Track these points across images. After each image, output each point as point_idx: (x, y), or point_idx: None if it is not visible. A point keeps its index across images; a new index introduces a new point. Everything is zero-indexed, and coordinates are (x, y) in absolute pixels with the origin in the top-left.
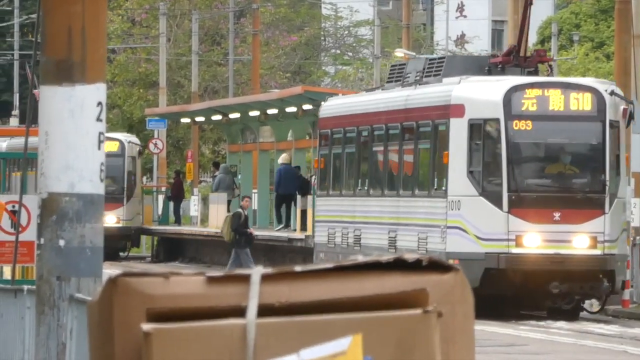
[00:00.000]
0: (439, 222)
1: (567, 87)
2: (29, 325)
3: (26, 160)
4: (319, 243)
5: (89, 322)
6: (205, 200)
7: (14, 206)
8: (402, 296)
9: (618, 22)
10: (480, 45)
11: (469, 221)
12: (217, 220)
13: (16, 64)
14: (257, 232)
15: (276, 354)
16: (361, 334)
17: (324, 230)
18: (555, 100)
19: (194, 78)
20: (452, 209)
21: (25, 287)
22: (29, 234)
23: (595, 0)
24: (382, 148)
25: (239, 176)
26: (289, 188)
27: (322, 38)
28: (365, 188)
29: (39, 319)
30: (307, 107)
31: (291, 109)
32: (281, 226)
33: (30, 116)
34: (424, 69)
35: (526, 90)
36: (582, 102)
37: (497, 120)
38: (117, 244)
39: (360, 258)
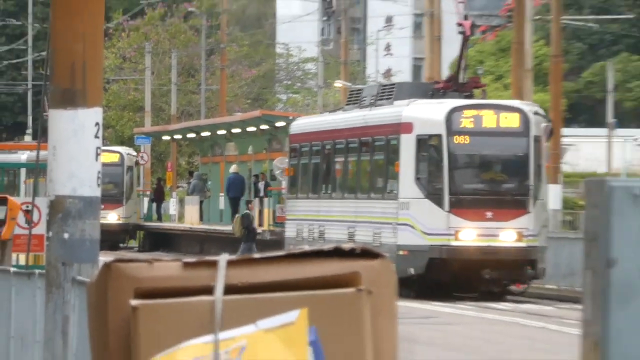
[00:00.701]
0: (391, 219)
1: (498, 108)
2: (40, 302)
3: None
4: (289, 237)
5: (88, 299)
6: (182, 202)
7: (27, 206)
8: (340, 278)
9: (514, 59)
10: (403, 77)
11: (416, 219)
12: (192, 217)
13: (29, 92)
14: (224, 227)
15: (238, 324)
16: (307, 308)
17: (293, 226)
18: (488, 119)
19: (173, 104)
20: (402, 209)
21: (37, 271)
22: (40, 229)
23: (496, 41)
24: (343, 159)
25: (209, 182)
26: (237, 192)
27: (276, 72)
28: (329, 192)
29: (48, 297)
30: (264, 127)
31: (251, 129)
32: None
33: (40, 134)
34: (377, 93)
35: (464, 111)
36: (511, 121)
37: (439, 136)
38: (117, 237)
39: (307, 247)
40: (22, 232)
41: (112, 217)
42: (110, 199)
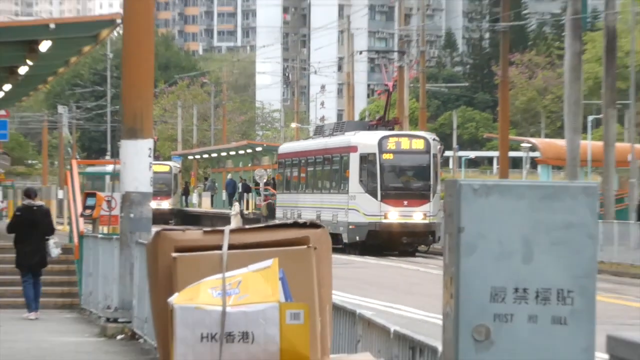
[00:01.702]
0: (344, 207)
1: (411, 136)
2: (116, 255)
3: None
4: (279, 217)
5: (146, 253)
6: (200, 196)
7: (108, 198)
8: (297, 240)
9: (398, 110)
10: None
11: (359, 206)
12: (206, 205)
13: (108, 129)
14: (225, 210)
15: (236, 267)
16: (277, 258)
17: (281, 211)
18: (405, 143)
19: (194, 137)
20: (351, 200)
21: (114, 236)
22: (116, 211)
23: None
24: (312, 168)
25: (216, 184)
26: (231, 190)
27: (256, 118)
28: (303, 189)
29: (121, 252)
30: (249, 151)
31: (241, 152)
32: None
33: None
34: (334, 127)
35: (389, 138)
36: (418, 144)
37: (374, 154)
38: (168, 218)
39: (277, 222)
40: (105, 214)
41: (165, 204)
42: (164, 194)
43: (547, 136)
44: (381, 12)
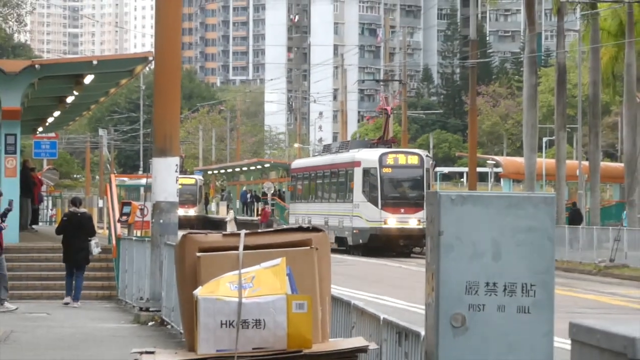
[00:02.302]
0: (348, 214)
1: (407, 153)
2: (148, 254)
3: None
4: (291, 224)
5: (175, 253)
6: (218, 204)
7: (141, 206)
8: (301, 241)
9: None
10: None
11: (363, 213)
12: (223, 212)
13: (141, 149)
14: (240, 217)
15: (251, 265)
16: (285, 257)
17: (293, 218)
18: (402, 159)
19: (213, 154)
20: (355, 208)
21: (146, 239)
22: (148, 217)
23: (374, 125)
24: (321, 181)
25: (231, 194)
26: (244, 199)
27: (265, 139)
28: (313, 199)
29: (152, 251)
30: (259, 167)
31: (252, 168)
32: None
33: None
34: (340, 146)
35: (388, 154)
36: (413, 160)
37: (375, 168)
38: (194, 223)
39: (284, 226)
40: (138, 220)
41: (191, 212)
42: (190, 202)
43: (508, 155)
44: (369, 51)
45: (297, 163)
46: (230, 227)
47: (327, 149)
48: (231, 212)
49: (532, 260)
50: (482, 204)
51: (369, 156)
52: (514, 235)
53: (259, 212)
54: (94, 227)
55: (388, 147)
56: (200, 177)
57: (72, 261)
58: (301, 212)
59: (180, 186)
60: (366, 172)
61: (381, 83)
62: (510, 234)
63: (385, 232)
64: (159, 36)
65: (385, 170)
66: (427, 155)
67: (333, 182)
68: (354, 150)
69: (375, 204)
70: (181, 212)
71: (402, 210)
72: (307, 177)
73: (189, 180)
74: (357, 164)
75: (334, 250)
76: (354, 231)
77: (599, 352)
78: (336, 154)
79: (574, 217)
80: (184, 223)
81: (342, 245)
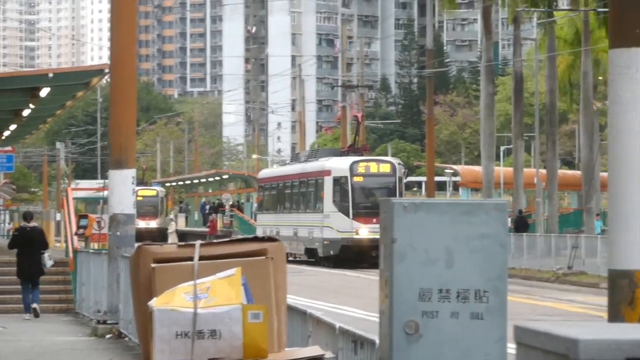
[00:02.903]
0: (319, 224)
1: (378, 161)
2: (104, 267)
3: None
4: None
5: (130, 264)
6: (176, 216)
7: (98, 219)
8: (257, 251)
9: (342, 143)
10: (286, 154)
11: (333, 223)
12: (182, 224)
13: (99, 162)
14: (198, 229)
15: (205, 275)
16: (240, 267)
17: (260, 229)
18: (373, 167)
19: (171, 167)
20: (325, 218)
21: (103, 251)
22: (105, 230)
23: (332, 135)
24: (290, 191)
25: (190, 206)
26: (203, 211)
27: (223, 150)
28: (282, 209)
29: (109, 264)
30: (217, 178)
31: (210, 179)
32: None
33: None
34: (309, 154)
35: (359, 163)
36: (385, 168)
37: (346, 177)
38: (155, 235)
39: (240, 236)
40: (95, 232)
41: (153, 224)
42: (151, 214)
43: (466, 163)
44: (327, 61)
45: (265, 173)
46: (172, 239)
47: (295, 158)
48: (172, 223)
49: (484, 266)
50: (435, 212)
51: (339, 165)
52: (466, 242)
53: (221, 224)
54: (46, 241)
55: (359, 155)
56: (162, 189)
57: (26, 275)
58: (269, 223)
59: (140, 198)
60: (337, 181)
61: (351, 90)
62: (463, 241)
63: (357, 242)
64: (114, 48)
65: (356, 179)
66: (399, 163)
67: (302, 192)
68: (324, 158)
69: (347, 214)
70: (142, 224)
71: (374, 220)
72: (275, 187)
73: (150, 192)
74: (327, 172)
75: (303, 262)
76: (325, 242)
77: (543, 354)
78: (305, 163)
79: (519, 225)
80: (145, 235)
81: (313, 257)
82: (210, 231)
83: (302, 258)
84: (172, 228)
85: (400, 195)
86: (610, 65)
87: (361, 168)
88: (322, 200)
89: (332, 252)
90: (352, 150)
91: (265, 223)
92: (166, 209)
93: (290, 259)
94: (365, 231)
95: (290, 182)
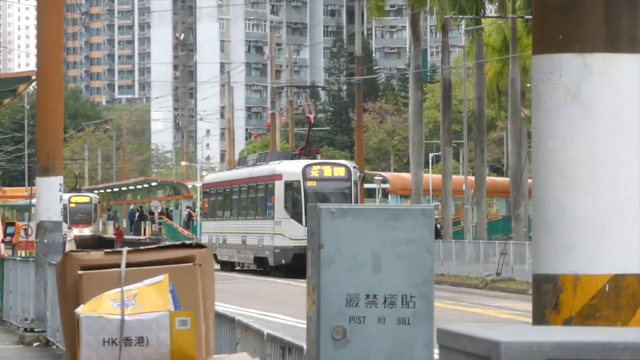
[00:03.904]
0: (269, 232)
1: (332, 164)
2: (32, 274)
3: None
4: (204, 242)
5: (56, 271)
6: (104, 224)
7: (26, 226)
8: (185, 258)
9: (271, 150)
10: (215, 161)
11: (285, 230)
12: (109, 231)
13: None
14: (128, 237)
15: (133, 282)
16: (168, 274)
17: (206, 237)
18: (327, 171)
19: (99, 174)
20: (277, 225)
21: (30, 259)
22: (32, 237)
23: (262, 142)
24: (237, 196)
25: (118, 213)
26: (132, 218)
27: (152, 157)
28: (229, 216)
29: (36, 271)
30: (145, 185)
31: (139, 186)
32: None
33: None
34: (257, 158)
35: (312, 166)
36: (340, 172)
37: (299, 181)
38: (89, 243)
39: (168, 242)
40: (22, 240)
41: (86, 231)
42: (85, 221)
43: (395, 170)
44: (256, 68)
45: (210, 178)
46: (70, 246)
47: (243, 162)
48: (70, 232)
49: (411, 272)
50: (362, 217)
51: (291, 168)
52: (393, 247)
53: (150, 231)
54: None
55: (311, 159)
56: (96, 196)
57: None
58: (215, 231)
59: (73, 205)
60: (288, 186)
61: (301, 91)
62: (390, 246)
63: (304, 250)
64: (40, 55)
65: (309, 183)
66: (354, 167)
67: (251, 198)
68: (274, 162)
69: (299, 221)
70: (75, 231)
71: None
72: (221, 193)
73: (83, 198)
74: (278, 177)
75: (252, 272)
76: (276, 250)
77: (465, 357)
78: (254, 167)
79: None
80: (79, 243)
81: (262, 266)
82: (117, 238)
83: (251, 267)
84: (70, 236)
85: (356, 200)
86: (534, 71)
87: (314, 172)
88: (273, 206)
89: (283, 261)
90: (303, 153)
91: (211, 230)
92: (99, 216)
93: (237, 268)
94: None
95: (237, 187)
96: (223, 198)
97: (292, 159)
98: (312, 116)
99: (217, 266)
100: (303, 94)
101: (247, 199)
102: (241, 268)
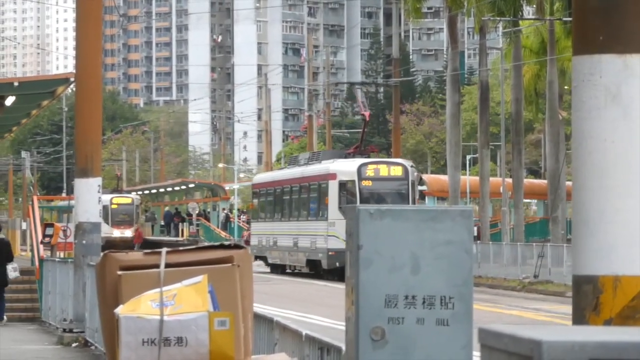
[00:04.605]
0: (323, 233)
1: (389, 163)
2: (71, 275)
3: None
4: (253, 245)
5: (96, 272)
6: (142, 225)
7: (64, 227)
8: (224, 258)
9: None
10: (253, 163)
11: (339, 232)
12: (147, 233)
13: (64, 171)
14: (164, 238)
15: (172, 282)
16: (207, 274)
17: (255, 238)
18: (383, 170)
19: (137, 175)
20: (330, 227)
21: (69, 260)
22: (71, 239)
23: (299, 144)
24: (288, 197)
25: (156, 215)
26: (167, 220)
27: (189, 159)
28: (279, 217)
29: (75, 272)
30: (183, 187)
31: (177, 188)
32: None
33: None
34: (309, 157)
35: (368, 165)
36: (397, 171)
37: (353, 181)
38: (130, 244)
39: (206, 243)
40: (61, 241)
41: (128, 233)
42: (126, 223)
43: (432, 173)
44: (293, 70)
45: (260, 177)
46: None
47: (294, 161)
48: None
49: (450, 273)
50: (401, 218)
51: (345, 167)
52: (432, 248)
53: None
54: (12, 253)
55: (366, 157)
56: (137, 197)
57: None
58: (265, 233)
59: (115, 206)
60: (343, 186)
61: (355, 88)
62: (429, 247)
63: None
64: (79, 57)
65: (364, 183)
66: (411, 166)
67: (303, 198)
68: (328, 161)
69: None
70: (117, 233)
71: None
72: (271, 193)
73: (125, 199)
74: (332, 176)
75: (305, 275)
76: (330, 253)
77: (507, 356)
78: (306, 166)
79: None
80: (120, 245)
81: (314, 269)
82: (136, 240)
83: (303, 270)
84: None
85: (413, 202)
86: (574, 72)
87: (370, 171)
88: (327, 207)
89: (337, 265)
90: (358, 151)
91: (261, 232)
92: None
93: (288, 271)
94: None
95: (289, 187)
96: (273, 198)
97: (346, 157)
98: (367, 113)
99: (267, 269)
100: (359, 91)
101: (299, 200)
102: (292, 271)
